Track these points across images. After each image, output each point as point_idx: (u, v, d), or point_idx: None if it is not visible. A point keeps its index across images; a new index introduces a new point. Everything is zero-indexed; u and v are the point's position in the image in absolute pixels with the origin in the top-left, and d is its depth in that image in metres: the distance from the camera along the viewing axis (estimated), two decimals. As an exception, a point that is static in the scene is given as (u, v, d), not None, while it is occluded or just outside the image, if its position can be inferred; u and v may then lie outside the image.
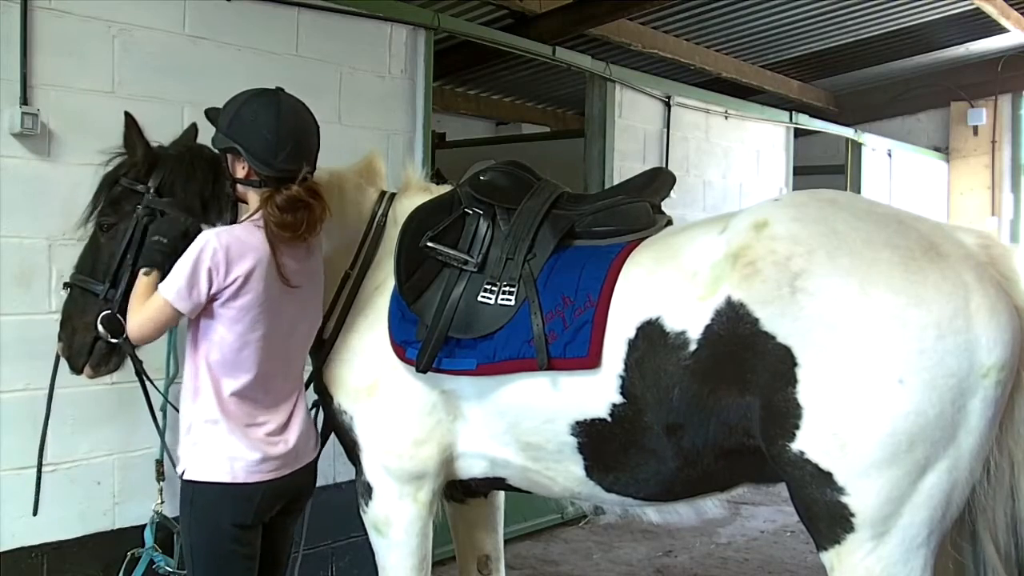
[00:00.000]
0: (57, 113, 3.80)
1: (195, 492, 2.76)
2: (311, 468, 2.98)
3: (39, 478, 3.18)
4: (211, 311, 2.70)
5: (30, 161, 3.75)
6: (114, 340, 2.91)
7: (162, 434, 3.46)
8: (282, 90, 2.84)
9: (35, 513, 3.19)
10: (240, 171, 2.80)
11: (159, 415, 3.34)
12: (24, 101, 3.69)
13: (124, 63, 3.99)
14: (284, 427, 2.85)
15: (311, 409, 3.24)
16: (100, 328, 2.90)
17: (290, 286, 2.76)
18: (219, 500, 2.73)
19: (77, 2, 3.86)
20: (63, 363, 3.06)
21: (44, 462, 3.34)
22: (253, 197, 2.81)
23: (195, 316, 2.73)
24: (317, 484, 3.07)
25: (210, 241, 2.66)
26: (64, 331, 3.01)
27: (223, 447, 2.72)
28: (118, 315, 2.90)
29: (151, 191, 2.93)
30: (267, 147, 2.72)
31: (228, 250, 2.65)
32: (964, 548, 2.62)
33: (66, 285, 3.04)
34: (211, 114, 2.90)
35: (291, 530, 3.03)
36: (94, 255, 3.00)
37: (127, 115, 2.99)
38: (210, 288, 2.65)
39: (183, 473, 2.78)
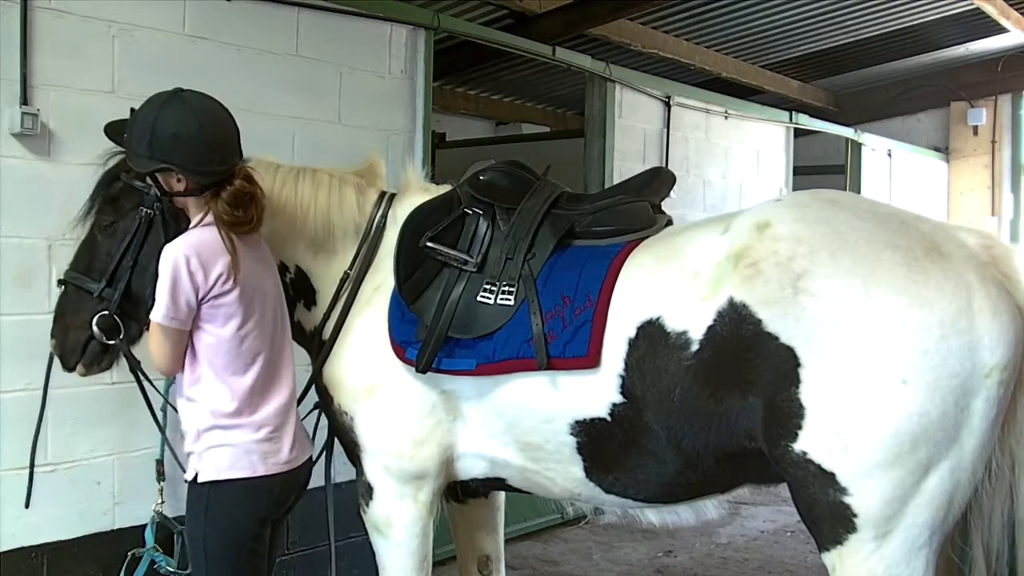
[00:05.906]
0: (57, 113, 3.80)
1: (212, 494, 2.72)
2: (310, 464, 2.96)
3: (32, 471, 3.17)
4: (203, 316, 2.68)
5: (30, 161, 3.75)
6: (109, 341, 2.88)
7: (163, 432, 3.45)
8: (181, 90, 2.74)
9: (27, 506, 3.18)
10: (177, 185, 2.72)
11: (159, 414, 3.32)
12: (24, 101, 3.69)
13: (124, 63, 3.99)
14: (288, 418, 2.83)
15: (312, 410, 3.25)
16: (95, 328, 2.87)
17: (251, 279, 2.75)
18: (241, 497, 2.72)
19: (77, 2, 3.85)
20: (56, 361, 3.02)
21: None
22: (194, 204, 2.75)
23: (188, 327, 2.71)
24: (314, 485, 3.04)
25: (179, 252, 2.63)
26: (57, 328, 2.97)
27: (238, 444, 2.71)
28: (115, 316, 2.88)
29: (152, 189, 2.87)
30: (199, 157, 2.65)
31: (200, 253, 2.63)
32: (958, 546, 2.62)
33: (60, 282, 3.00)
34: (115, 138, 2.83)
35: (280, 532, 3.01)
36: (91, 253, 2.95)
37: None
38: (197, 293, 2.63)
39: (195, 478, 2.73)
